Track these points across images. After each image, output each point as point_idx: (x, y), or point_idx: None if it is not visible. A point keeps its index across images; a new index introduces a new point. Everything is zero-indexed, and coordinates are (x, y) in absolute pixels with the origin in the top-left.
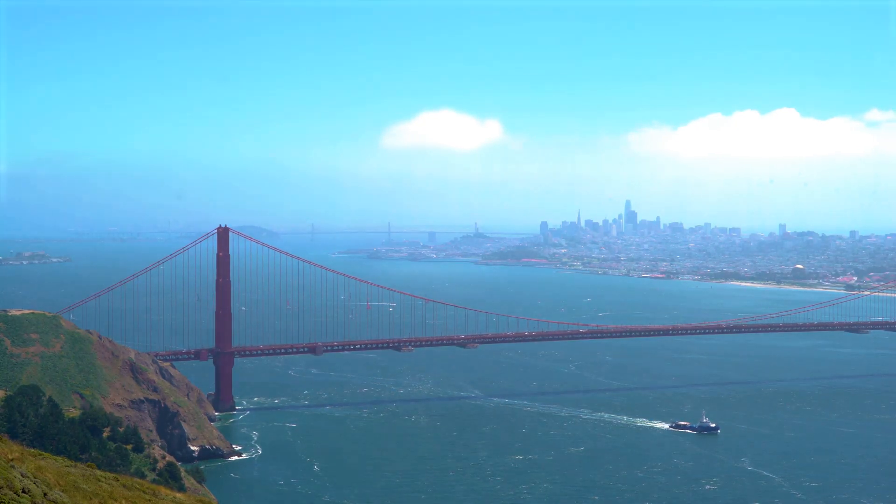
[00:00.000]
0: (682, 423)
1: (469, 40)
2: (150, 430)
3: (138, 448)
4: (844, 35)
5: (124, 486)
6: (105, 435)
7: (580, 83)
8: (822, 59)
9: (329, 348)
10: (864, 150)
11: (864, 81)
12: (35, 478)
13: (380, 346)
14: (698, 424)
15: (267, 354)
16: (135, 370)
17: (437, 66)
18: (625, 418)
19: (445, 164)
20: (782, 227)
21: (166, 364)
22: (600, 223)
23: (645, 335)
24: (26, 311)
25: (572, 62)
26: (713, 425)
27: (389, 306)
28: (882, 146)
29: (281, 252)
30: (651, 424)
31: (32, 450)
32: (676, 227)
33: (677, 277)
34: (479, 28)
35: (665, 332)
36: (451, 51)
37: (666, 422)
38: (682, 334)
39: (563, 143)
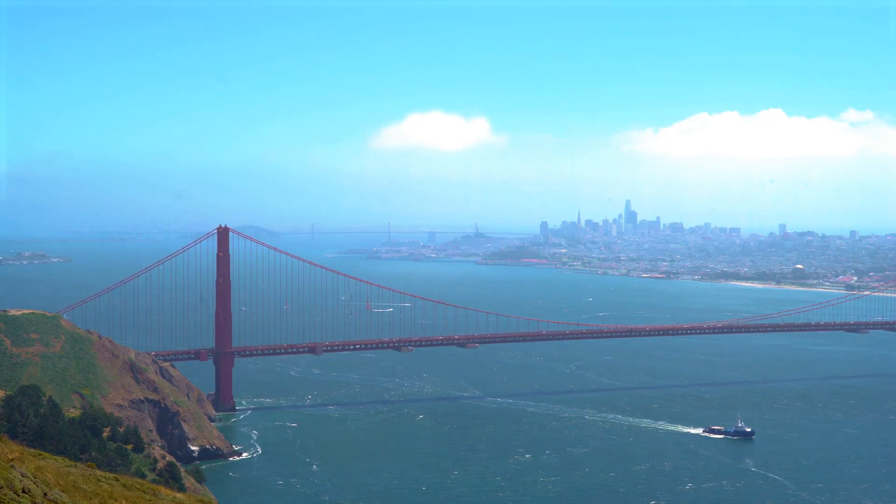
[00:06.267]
0: (716, 427)
1: (458, 42)
2: (150, 430)
3: (138, 448)
4: (827, 35)
5: (124, 486)
6: (105, 435)
7: (568, 83)
8: (804, 60)
9: (329, 348)
10: (850, 150)
11: (845, 81)
12: (35, 478)
13: (380, 346)
14: (733, 429)
15: (267, 354)
16: (135, 370)
17: (425, 68)
18: (653, 422)
19: (437, 165)
20: (782, 227)
21: (166, 364)
22: (600, 223)
23: (645, 335)
24: (26, 311)
25: (559, 63)
26: (748, 430)
27: (388, 308)
28: (869, 146)
29: (281, 252)
30: (685, 429)
31: (32, 450)
32: (676, 227)
33: (677, 277)
34: (467, 30)
35: (665, 332)
36: (440, 52)
37: (698, 426)
38: (682, 334)
39: (551, 144)
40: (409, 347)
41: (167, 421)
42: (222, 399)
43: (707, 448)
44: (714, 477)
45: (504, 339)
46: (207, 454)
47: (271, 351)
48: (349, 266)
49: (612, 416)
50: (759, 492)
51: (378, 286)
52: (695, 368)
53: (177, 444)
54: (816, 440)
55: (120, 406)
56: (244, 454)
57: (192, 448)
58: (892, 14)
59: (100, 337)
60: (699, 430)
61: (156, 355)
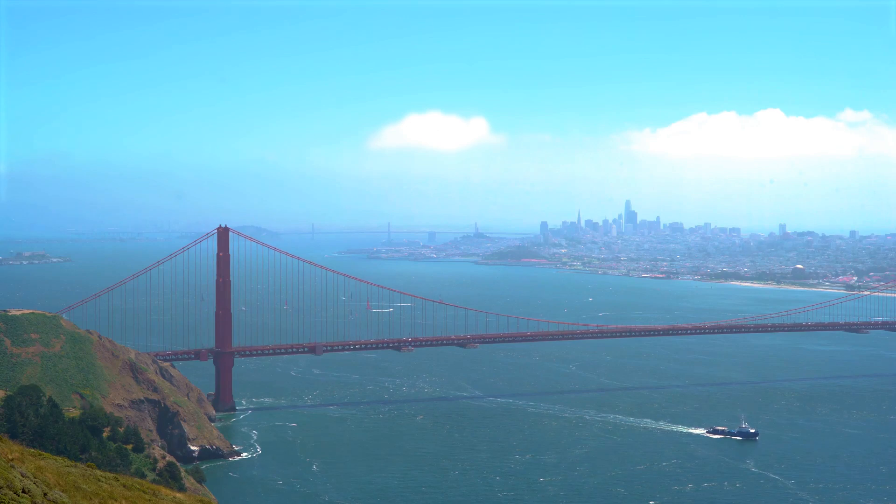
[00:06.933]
0: (720, 427)
1: (456, 42)
2: (150, 430)
3: (138, 448)
4: (825, 35)
5: (124, 486)
6: (105, 435)
7: (565, 83)
8: (802, 59)
9: (329, 348)
10: (849, 150)
11: (841, 81)
12: (35, 478)
13: (380, 346)
14: (737, 430)
15: (267, 354)
16: (135, 370)
17: (424, 68)
18: (654, 423)
19: (436, 165)
20: (782, 227)
21: (166, 364)
22: (600, 223)
23: (645, 335)
24: (26, 311)
25: (557, 62)
26: (752, 430)
27: (388, 308)
28: (867, 146)
29: (281, 252)
30: (687, 430)
31: (32, 450)
32: (676, 227)
33: (677, 277)
34: (465, 30)
35: (665, 332)
36: (438, 53)
37: (700, 426)
38: (682, 334)
39: (549, 143)
40: (409, 347)
41: (167, 421)
42: (222, 399)
43: (710, 449)
44: (716, 477)
45: (504, 339)
46: (207, 454)
47: (271, 351)
48: (349, 266)
49: (612, 416)
50: (761, 492)
51: (378, 286)
52: (695, 368)
53: (177, 444)
54: (817, 440)
55: (120, 406)
56: (244, 454)
57: (192, 448)
58: (889, 14)
59: (100, 337)
60: (702, 431)
61: (156, 355)
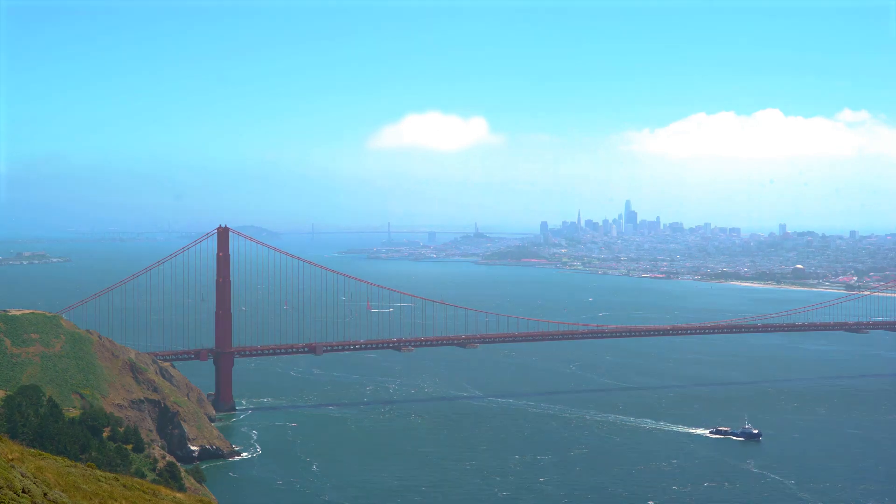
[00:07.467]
0: (723, 428)
1: (455, 42)
2: (150, 430)
3: (138, 448)
4: (823, 35)
5: (124, 486)
6: (105, 435)
7: (564, 83)
8: (801, 59)
9: (329, 348)
10: (849, 150)
11: (839, 81)
12: (35, 478)
13: (380, 346)
14: (740, 430)
15: (267, 354)
16: (135, 370)
17: (423, 68)
18: (655, 423)
19: (435, 165)
20: (782, 227)
21: (166, 364)
22: (600, 223)
23: (645, 335)
24: (26, 311)
25: (556, 62)
26: (755, 431)
27: (388, 308)
28: (866, 146)
29: (281, 252)
30: (688, 430)
31: (32, 450)
32: (676, 227)
33: (677, 277)
34: (464, 30)
35: (665, 332)
36: (437, 53)
37: (701, 426)
38: (682, 334)
39: (548, 143)
40: (409, 347)
41: (167, 421)
42: (222, 399)
43: (712, 449)
44: (716, 477)
45: (504, 339)
46: (207, 454)
47: (271, 351)
48: (349, 266)
49: (612, 416)
50: (761, 492)
51: (378, 286)
52: (695, 368)
53: (177, 444)
54: (818, 440)
55: (120, 406)
56: (244, 454)
57: (192, 448)
58: (889, 14)
59: (100, 337)
60: (703, 431)
61: (156, 355)
